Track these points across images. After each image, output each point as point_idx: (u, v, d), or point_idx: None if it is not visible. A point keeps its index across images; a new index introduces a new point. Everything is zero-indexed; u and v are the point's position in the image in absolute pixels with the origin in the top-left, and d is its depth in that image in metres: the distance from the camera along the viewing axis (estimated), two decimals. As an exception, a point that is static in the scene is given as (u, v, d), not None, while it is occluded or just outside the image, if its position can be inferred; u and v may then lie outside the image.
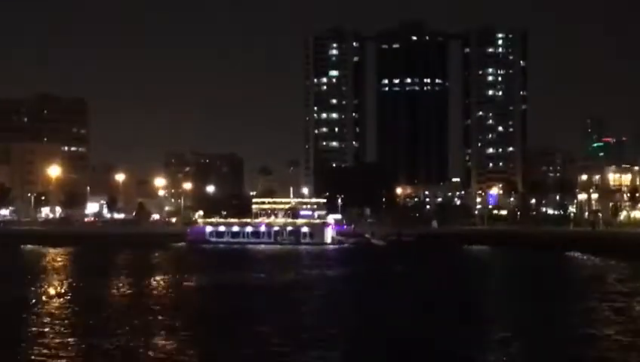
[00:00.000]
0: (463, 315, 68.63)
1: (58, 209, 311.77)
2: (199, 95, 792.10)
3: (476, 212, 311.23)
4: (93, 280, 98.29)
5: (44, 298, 78.71)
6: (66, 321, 62.28)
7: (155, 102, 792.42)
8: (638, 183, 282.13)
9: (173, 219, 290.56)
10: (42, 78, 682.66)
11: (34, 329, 58.07)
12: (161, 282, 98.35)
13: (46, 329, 57.91)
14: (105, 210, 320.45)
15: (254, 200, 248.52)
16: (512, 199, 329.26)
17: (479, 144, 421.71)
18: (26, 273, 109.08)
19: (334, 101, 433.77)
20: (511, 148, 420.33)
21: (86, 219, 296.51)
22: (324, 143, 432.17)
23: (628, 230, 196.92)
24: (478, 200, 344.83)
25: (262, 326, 59.71)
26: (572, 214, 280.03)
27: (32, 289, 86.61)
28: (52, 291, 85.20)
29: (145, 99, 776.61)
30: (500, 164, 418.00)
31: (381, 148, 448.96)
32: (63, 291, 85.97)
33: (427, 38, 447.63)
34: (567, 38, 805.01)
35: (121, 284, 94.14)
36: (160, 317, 64.68)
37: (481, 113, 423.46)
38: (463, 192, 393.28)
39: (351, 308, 73.76)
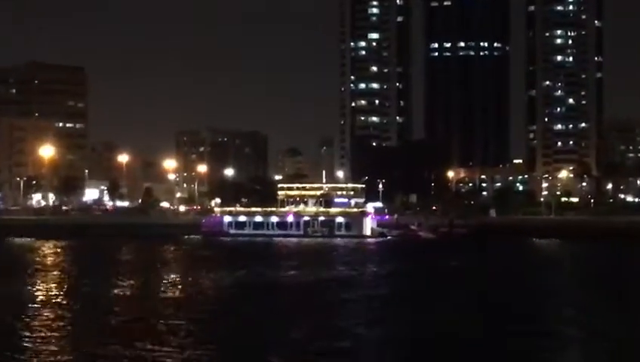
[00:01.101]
0: (531, 316, 68.27)
1: (51, 196, 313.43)
2: (216, 64, 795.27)
3: (542, 199, 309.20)
4: (93, 280, 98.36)
5: (34, 301, 78.75)
6: (58, 329, 62.24)
7: (165, 73, 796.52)
8: None
9: (182, 208, 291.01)
10: (34, 45, 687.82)
11: (25, 337, 58.06)
12: (173, 281, 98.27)
13: (36, 340, 57.87)
14: (106, 197, 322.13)
15: (280, 185, 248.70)
16: (584, 184, 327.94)
17: (546, 119, 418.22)
18: (14, 270, 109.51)
19: (374, 69, 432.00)
20: (583, 124, 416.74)
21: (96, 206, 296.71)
22: (363, 118, 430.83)
23: None
24: (545, 185, 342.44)
25: (293, 331, 59.50)
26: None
27: (22, 289, 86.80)
28: (43, 292, 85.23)
29: (153, 70, 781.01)
30: (571, 142, 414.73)
31: (430, 124, 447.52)
32: (56, 292, 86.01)
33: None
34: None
35: (125, 284, 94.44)
36: (171, 323, 64.47)
37: (548, 83, 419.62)
38: (526, 176, 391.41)
39: (396, 312, 73.30)
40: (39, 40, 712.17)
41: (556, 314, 73.19)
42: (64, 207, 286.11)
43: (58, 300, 78.72)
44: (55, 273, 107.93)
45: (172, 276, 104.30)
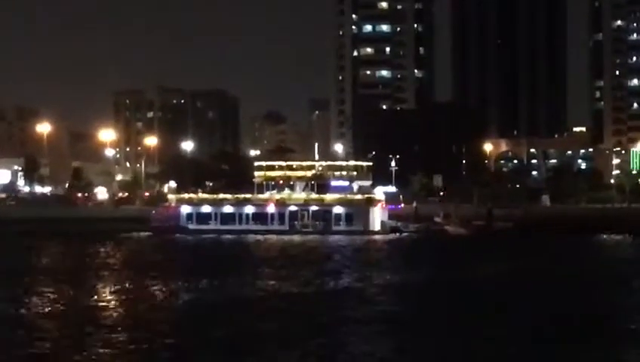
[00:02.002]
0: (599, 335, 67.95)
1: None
2: (173, 7, 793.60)
3: (612, 181, 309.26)
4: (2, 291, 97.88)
5: None
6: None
7: (101, 17, 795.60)
8: None
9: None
10: None
11: None
12: (111, 297, 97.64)
13: None
14: (20, 181, 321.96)
15: (258, 164, 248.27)
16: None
17: (617, 72, 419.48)
18: None
19: (384, 4, 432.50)
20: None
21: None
22: (369, 73, 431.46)
23: None
24: (616, 161, 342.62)
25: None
26: None
27: None
28: None
29: (83, 12, 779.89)
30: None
31: (459, 79, 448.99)
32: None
33: None
34: None
35: (47, 297, 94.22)
36: (107, 352, 63.36)
37: (619, 23, 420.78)
38: (591, 150, 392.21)
39: (417, 341, 72.47)
40: None
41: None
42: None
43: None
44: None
45: (108, 289, 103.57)
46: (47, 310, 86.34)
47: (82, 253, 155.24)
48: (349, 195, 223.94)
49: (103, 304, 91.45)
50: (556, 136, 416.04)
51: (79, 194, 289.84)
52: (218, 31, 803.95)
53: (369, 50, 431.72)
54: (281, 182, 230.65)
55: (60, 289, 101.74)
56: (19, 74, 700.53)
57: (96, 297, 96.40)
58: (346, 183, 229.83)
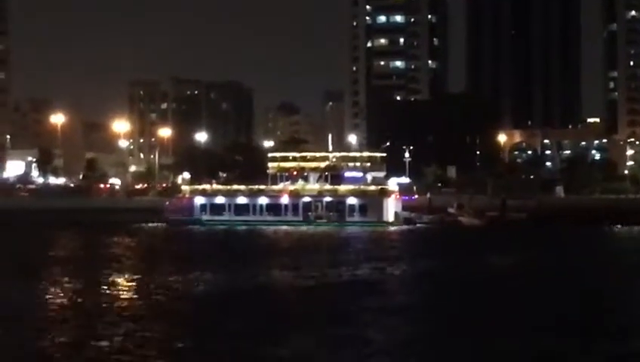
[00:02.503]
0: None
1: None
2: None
3: (626, 172, 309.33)
4: (19, 282, 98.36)
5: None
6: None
7: (114, 6, 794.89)
8: None
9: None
10: None
11: None
12: (126, 287, 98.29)
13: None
14: (35, 172, 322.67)
15: (272, 155, 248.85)
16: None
17: (631, 62, 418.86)
18: None
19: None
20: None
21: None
22: (383, 63, 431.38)
23: None
24: (630, 152, 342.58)
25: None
26: None
27: None
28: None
29: (97, 4, 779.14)
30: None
31: (474, 70, 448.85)
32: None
33: None
34: None
35: (63, 287, 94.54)
36: (125, 344, 64.25)
37: (634, 13, 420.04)
38: (605, 141, 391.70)
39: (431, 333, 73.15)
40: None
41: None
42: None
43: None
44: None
45: (124, 279, 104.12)
46: (65, 300, 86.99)
47: (97, 244, 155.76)
48: (362, 186, 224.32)
49: (122, 294, 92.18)
50: (570, 126, 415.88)
51: (101, 185, 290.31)
52: (232, 22, 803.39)
53: (383, 41, 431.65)
54: (295, 173, 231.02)
55: (78, 280, 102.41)
56: (33, 65, 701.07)
57: (114, 287, 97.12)
58: (360, 174, 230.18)
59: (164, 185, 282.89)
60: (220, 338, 67.36)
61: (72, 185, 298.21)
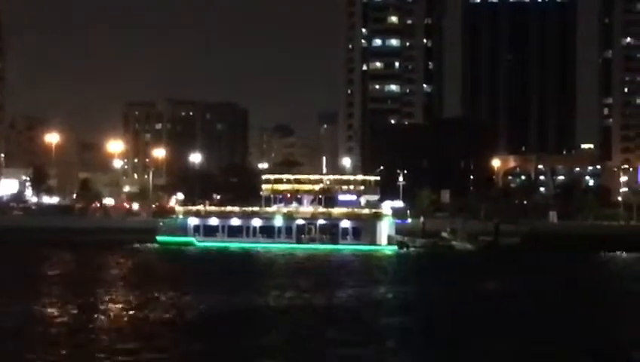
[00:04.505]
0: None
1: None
2: (179, 18, 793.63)
3: (620, 198, 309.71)
4: (8, 302, 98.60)
5: None
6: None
7: (109, 28, 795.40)
8: None
9: (136, 206, 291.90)
10: None
11: None
12: (112, 305, 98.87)
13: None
14: (28, 191, 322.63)
15: (265, 177, 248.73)
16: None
17: (626, 89, 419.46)
18: None
19: (394, 19, 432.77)
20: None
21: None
22: (378, 87, 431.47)
23: None
24: (624, 178, 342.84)
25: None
26: None
27: None
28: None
29: (91, 24, 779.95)
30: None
31: (469, 95, 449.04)
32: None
33: None
34: None
35: (56, 307, 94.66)
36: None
37: (629, 40, 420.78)
38: (598, 167, 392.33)
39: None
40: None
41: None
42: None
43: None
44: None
45: (117, 297, 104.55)
46: (59, 318, 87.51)
47: (90, 263, 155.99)
48: (356, 209, 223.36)
49: (115, 312, 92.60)
50: (564, 152, 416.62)
51: (97, 204, 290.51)
52: (229, 43, 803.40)
53: (378, 64, 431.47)
54: (289, 195, 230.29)
55: (70, 300, 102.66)
56: (28, 82, 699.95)
57: (107, 307, 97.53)
58: (354, 197, 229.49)
59: (154, 205, 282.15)
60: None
61: (66, 204, 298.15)
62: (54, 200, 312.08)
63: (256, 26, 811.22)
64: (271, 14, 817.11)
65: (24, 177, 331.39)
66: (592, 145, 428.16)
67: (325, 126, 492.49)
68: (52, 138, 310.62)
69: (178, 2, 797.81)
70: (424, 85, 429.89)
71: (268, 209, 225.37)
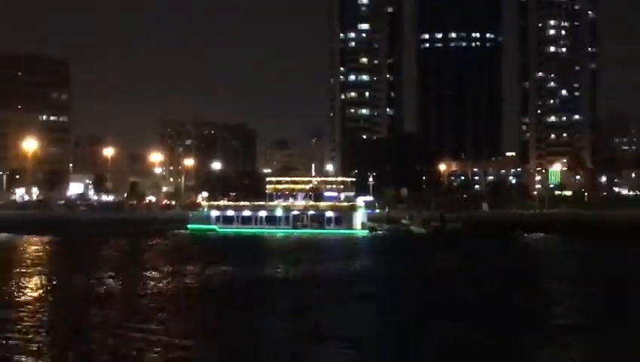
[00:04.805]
0: (522, 317, 68.55)
1: (35, 190, 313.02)
2: (202, 55, 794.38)
3: (535, 193, 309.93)
4: (78, 275, 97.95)
5: (16, 298, 78.74)
6: (31, 331, 62.25)
7: (149, 64, 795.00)
8: None
9: (173, 203, 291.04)
10: (9, 30, 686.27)
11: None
12: (157, 276, 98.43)
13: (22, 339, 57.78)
14: (91, 192, 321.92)
15: (269, 179, 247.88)
16: (578, 177, 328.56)
17: (539, 111, 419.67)
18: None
19: (365, 60, 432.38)
20: (577, 117, 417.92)
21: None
22: (353, 111, 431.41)
23: None
24: (538, 178, 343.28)
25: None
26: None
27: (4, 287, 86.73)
28: (27, 290, 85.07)
29: (136, 61, 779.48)
30: (564, 135, 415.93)
31: (421, 116, 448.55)
32: (40, 289, 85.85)
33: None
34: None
35: (111, 279, 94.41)
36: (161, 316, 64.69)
37: (541, 74, 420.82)
38: (519, 169, 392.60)
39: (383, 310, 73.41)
40: (20, 31, 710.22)
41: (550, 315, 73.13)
42: (58, 202, 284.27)
43: (35, 297, 78.45)
44: (35, 269, 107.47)
45: (159, 271, 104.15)
46: (118, 286, 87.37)
47: (139, 246, 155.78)
48: (337, 203, 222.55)
49: (158, 280, 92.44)
50: (493, 159, 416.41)
51: (145, 201, 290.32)
52: (242, 72, 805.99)
53: (353, 94, 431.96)
54: (287, 192, 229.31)
55: (123, 273, 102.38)
56: (89, 108, 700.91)
57: (150, 277, 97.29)
58: (336, 194, 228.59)
59: (186, 201, 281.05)
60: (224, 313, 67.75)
61: (119, 201, 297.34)
62: (110, 198, 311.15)
63: (261, 65, 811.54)
64: (272, 58, 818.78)
65: (87, 181, 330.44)
66: (514, 153, 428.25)
67: (314, 140, 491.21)
68: (108, 151, 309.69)
69: (202, 44, 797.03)
70: (387, 109, 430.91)
71: (271, 203, 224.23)
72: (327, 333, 58.44)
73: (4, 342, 54.10)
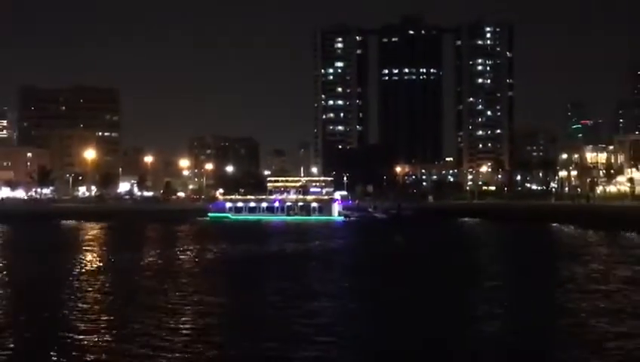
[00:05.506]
0: (460, 276, 68.76)
1: (93, 188, 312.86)
2: (221, 85, 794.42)
3: (467, 188, 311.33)
4: (127, 252, 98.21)
5: (84, 268, 79.10)
6: (101, 297, 62.53)
7: (180, 90, 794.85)
8: (612, 161, 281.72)
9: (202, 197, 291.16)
10: (73, 66, 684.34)
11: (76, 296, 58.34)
12: (188, 251, 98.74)
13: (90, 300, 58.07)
14: (135, 189, 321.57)
15: (269, 178, 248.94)
16: (499, 176, 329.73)
17: (470, 127, 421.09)
18: (65, 245, 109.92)
19: (340, 89, 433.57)
20: (499, 131, 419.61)
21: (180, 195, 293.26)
22: (331, 127, 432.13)
23: (609, 203, 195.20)
24: (469, 177, 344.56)
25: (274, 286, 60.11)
26: (553, 189, 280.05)
27: (71, 260, 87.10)
28: (92, 262, 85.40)
29: (171, 87, 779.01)
30: (489, 144, 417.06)
31: (382, 131, 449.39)
32: (98, 262, 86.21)
33: (423, 32, 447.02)
34: (551, 30, 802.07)
35: (152, 254, 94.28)
36: (184, 281, 65.12)
37: (471, 99, 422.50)
38: (455, 170, 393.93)
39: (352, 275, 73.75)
40: (81, 64, 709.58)
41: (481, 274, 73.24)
42: (112, 196, 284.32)
43: (95, 269, 78.82)
44: (97, 247, 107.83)
45: (188, 248, 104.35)
46: (154, 261, 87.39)
47: (171, 229, 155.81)
48: (320, 196, 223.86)
49: (187, 255, 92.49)
50: (436, 162, 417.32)
51: (174, 196, 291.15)
52: (251, 96, 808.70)
53: (331, 115, 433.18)
54: (282, 189, 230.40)
55: (160, 249, 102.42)
56: (135, 125, 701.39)
57: (182, 252, 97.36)
58: (319, 189, 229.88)
59: (201, 196, 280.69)
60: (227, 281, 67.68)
61: (156, 196, 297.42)
62: (150, 194, 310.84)
63: (261, 93, 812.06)
64: (270, 86, 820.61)
65: (132, 181, 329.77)
66: (452, 158, 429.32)
67: (302, 150, 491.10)
68: (148, 159, 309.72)
69: (215, 71, 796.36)
70: (357, 126, 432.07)
71: (270, 197, 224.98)
72: (316, 292, 59.07)
73: (72, 304, 54.12)
